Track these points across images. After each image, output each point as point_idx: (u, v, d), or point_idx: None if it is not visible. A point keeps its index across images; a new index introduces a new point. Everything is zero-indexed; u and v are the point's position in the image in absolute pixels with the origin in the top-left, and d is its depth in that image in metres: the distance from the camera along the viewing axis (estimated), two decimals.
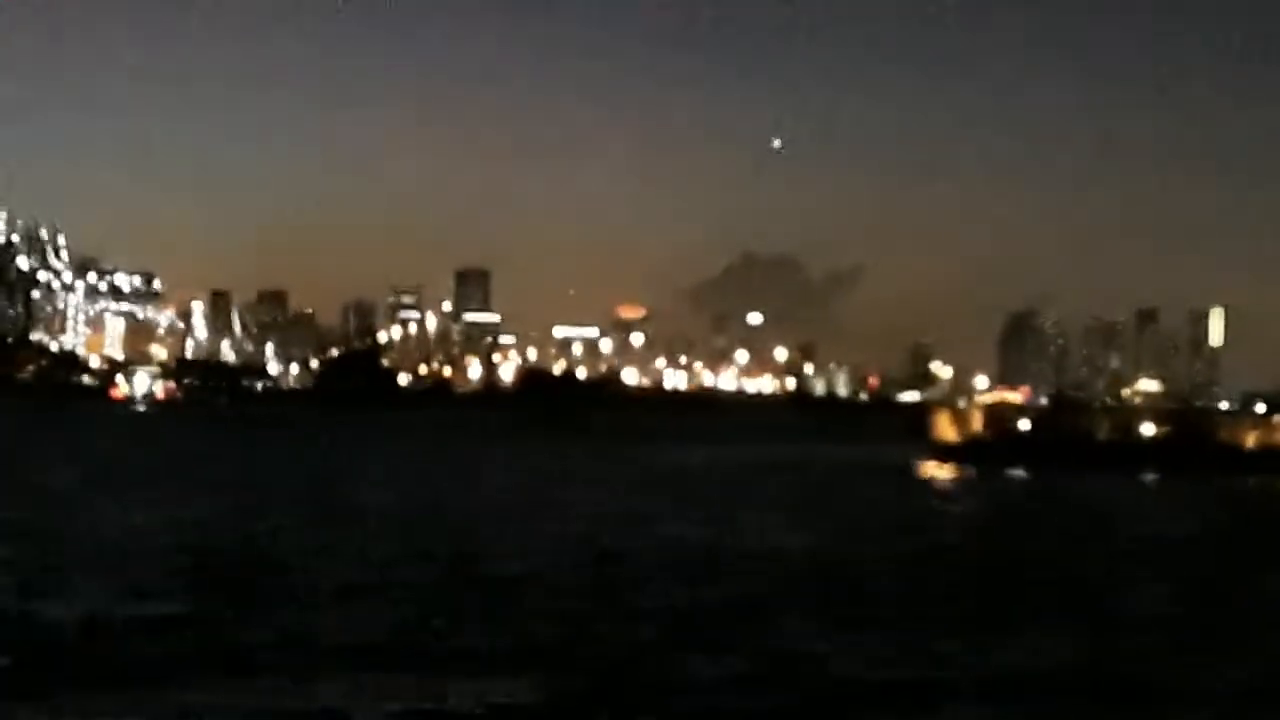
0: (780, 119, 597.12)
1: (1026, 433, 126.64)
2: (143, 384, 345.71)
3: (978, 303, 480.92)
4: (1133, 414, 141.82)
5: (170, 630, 35.42)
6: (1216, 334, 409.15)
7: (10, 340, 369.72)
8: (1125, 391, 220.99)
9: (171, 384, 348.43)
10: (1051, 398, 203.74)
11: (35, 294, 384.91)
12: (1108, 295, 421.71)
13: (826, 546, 59.06)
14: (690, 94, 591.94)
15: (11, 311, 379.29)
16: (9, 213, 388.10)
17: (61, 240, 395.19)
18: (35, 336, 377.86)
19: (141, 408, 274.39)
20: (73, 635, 34.59)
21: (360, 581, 44.56)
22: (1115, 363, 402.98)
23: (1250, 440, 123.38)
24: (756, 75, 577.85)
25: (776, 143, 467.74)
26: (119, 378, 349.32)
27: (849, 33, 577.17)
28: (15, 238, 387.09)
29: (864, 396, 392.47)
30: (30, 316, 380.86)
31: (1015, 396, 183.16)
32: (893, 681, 31.45)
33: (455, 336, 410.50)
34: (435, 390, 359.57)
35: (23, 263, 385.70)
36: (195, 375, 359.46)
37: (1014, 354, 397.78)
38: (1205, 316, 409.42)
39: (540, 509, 72.57)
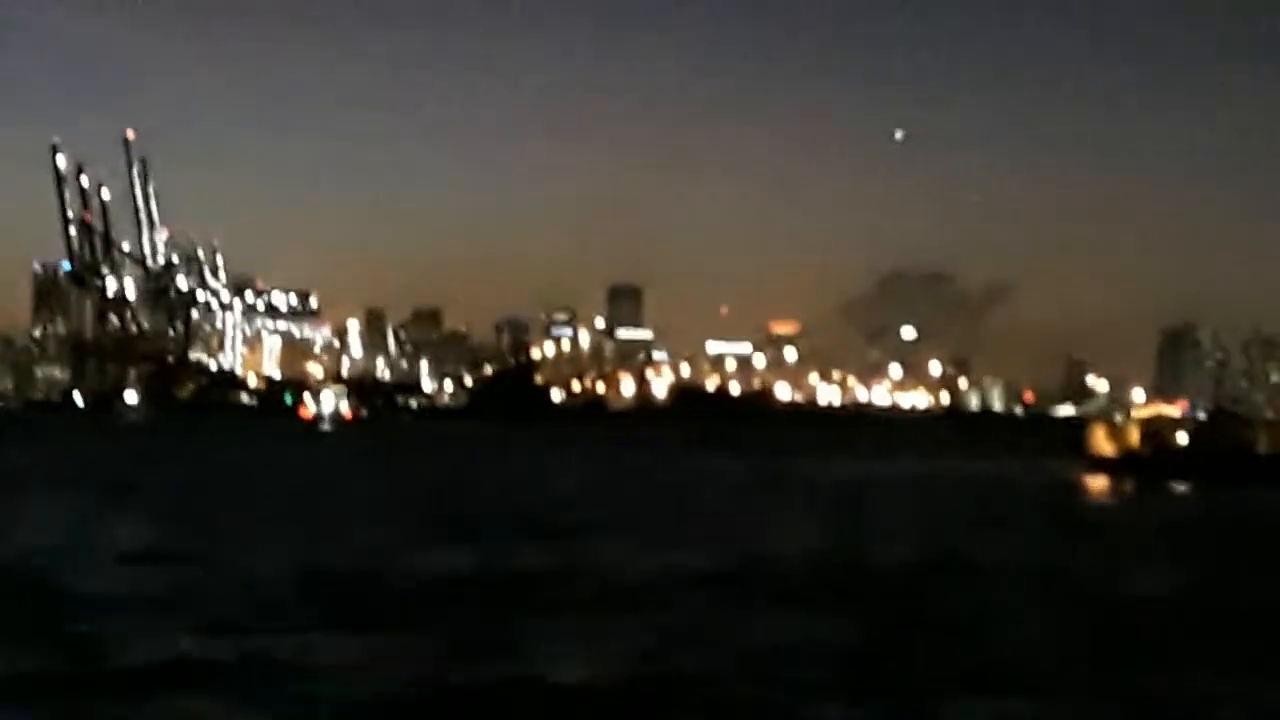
0: (916, 126, 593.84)
1: (1184, 447, 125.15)
2: (329, 403, 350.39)
3: (1134, 315, 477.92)
4: None
5: None
6: None
7: (171, 360, 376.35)
8: None
9: (356, 403, 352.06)
10: (1210, 411, 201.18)
11: (194, 313, 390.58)
12: (1267, 307, 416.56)
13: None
14: (837, 106, 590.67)
15: (172, 331, 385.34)
16: (169, 233, 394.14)
17: (219, 259, 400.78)
18: (195, 356, 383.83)
19: (328, 427, 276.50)
20: None
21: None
22: (1275, 375, 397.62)
23: None
24: (883, 83, 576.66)
25: (899, 134, 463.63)
26: (306, 396, 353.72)
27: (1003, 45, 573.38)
28: (175, 258, 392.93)
29: (1019, 410, 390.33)
30: (190, 336, 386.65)
31: (1173, 410, 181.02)
32: None
33: (608, 353, 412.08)
34: (589, 407, 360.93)
35: (182, 282, 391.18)
36: (354, 393, 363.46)
37: (1171, 367, 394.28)
38: None
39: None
